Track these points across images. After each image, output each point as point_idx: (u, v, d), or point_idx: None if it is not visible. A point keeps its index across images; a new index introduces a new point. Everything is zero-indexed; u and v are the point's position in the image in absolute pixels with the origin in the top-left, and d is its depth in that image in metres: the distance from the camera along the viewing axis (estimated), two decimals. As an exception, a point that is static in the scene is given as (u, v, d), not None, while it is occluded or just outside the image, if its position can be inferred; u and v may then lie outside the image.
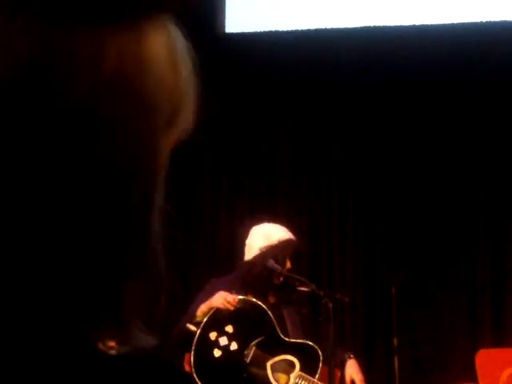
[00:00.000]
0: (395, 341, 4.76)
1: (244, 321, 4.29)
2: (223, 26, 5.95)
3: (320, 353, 4.27)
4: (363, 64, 5.74)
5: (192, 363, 4.18)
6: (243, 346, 4.26)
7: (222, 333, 4.26)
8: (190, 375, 3.54)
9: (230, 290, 4.31)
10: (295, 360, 4.29)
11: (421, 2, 5.77)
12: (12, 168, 0.63)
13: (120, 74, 0.64)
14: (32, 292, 0.63)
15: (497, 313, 5.73)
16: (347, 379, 4.30)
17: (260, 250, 4.40)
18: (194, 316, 4.27)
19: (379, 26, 5.78)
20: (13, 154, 0.63)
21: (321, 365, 4.27)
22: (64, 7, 0.63)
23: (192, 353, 4.21)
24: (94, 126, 0.63)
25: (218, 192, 6.08)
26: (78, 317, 0.64)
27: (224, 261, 5.80)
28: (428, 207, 5.84)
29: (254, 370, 4.25)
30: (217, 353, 4.24)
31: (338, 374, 4.31)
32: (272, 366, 4.27)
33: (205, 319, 4.25)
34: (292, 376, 4.27)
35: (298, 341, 4.33)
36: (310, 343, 4.31)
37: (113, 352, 0.67)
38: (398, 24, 5.77)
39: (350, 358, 4.36)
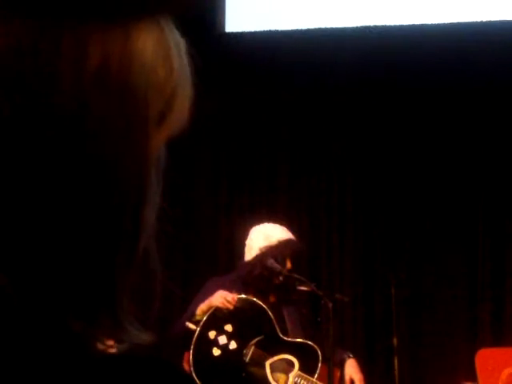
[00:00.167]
0: (395, 341, 4.76)
1: (243, 320, 4.29)
2: (223, 26, 5.95)
3: (319, 352, 4.27)
4: (363, 63, 5.74)
5: (191, 362, 4.18)
6: (242, 345, 4.27)
7: (221, 332, 4.27)
8: (189, 375, 3.53)
9: (230, 289, 4.31)
10: (294, 359, 4.29)
11: (421, 2, 5.77)
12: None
13: (106, 70, 0.64)
14: (24, 292, 0.62)
15: (497, 313, 5.73)
16: (346, 379, 4.30)
17: (260, 250, 4.41)
18: (194, 314, 4.28)
19: (379, 26, 5.78)
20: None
21: (320, 364, 4.27)
22: (48, 3, 0.63)
23: (191, 351, 4.21)
24: (81, 123, 0.63)
25: (218, 191, 6.08)
26: (72, 317, 0.64)
27: (224, 261, 5.80)
28: (428, 207, 5.84)
29: (253, 370, 4.25)
30: (216, 352, 4.24)
31: (338, 373, 4.31)
32: (271, 365, 4.27)
33: (204, 318, 4.25)
34: (291, 375, 4.27)
35: (298, 340, 4.33)
36: (310, 343, 4.31)
37: (112, 350, 0.67)
38: (398, 23, 5.77)
39: (349, 357, 4.36)
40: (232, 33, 5.96)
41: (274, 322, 4.31)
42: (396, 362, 4.77)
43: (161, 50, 0.67)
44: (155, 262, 0.69)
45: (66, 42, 0.63)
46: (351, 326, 5.86)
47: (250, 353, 4.25)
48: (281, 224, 4.59)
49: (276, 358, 4.28)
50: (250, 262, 4.43)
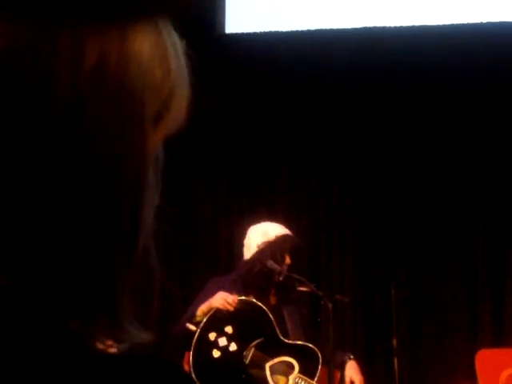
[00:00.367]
0: (395, 341, 4.76)
1: (244, 321, 4.29)
2: (223, 27, 5.95)
3: (319, 355, 4.26)
4: (363, 65, 5.74)
5: (191, 363, 4.18)
6: (242, 346, 4.26)
7: (221, 333, 4.26)
8: (189, 375, 3.53)
9: (230, 290, 4.31)
10: (294, 362, 4.28)
11: (421, 3, 5.78)
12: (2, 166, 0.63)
13: (103, 70, 0.64)
14: (24, 292, 0.63)
15: (497, 313, 5.73)
16: (347, 380, 4.30)
17: (258, 246, 4.41)
18: (194, 316, 4.27)
19: (379, 27, 5.79)
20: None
21: (320, 367, 4.27)
22: (48, 3, 0.63)
23: (191, 353, 4.20)
24: (78, 123, 0.63)
25: (218, 192, 6.08)
26: (70, 316, 0.64)
27: (224, 261, 5.80)
28: (428, 207, 5.84)
29: (253, 371, 4.25)
30: (216, 353, 4.24)
31: (338, 375, 4.30)
32: (271, 367, 4.27)
33: (204, 319, 4.25)
34: (291, 378, 4.26)
35: (298, 342, 4.33)
36: (310, 345, 4.31)
37: (112, 350, 0.67)
38: (398, 25, 5.77)
39: (349, 359, 4.36)
40: (232, 34, 5.96)
41: (275, 324, 4.30)
42: (396, 362, 4.77)
43: (158, 50, 0.68)
44: (154, 262, 0.70)
45: (63, 41, 0.63)
46: (351, 326, 5.86)
47: (250, 355, 4.25)
48: (280, 224, 4.59)
49: (276, 360, 4.28)
50: (249, 260, 4.43)
